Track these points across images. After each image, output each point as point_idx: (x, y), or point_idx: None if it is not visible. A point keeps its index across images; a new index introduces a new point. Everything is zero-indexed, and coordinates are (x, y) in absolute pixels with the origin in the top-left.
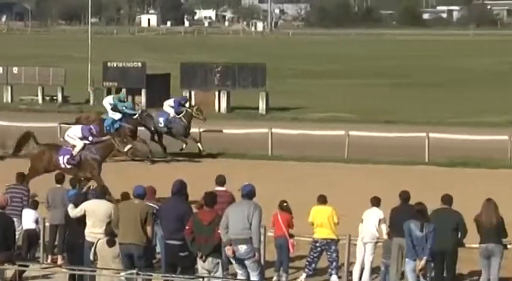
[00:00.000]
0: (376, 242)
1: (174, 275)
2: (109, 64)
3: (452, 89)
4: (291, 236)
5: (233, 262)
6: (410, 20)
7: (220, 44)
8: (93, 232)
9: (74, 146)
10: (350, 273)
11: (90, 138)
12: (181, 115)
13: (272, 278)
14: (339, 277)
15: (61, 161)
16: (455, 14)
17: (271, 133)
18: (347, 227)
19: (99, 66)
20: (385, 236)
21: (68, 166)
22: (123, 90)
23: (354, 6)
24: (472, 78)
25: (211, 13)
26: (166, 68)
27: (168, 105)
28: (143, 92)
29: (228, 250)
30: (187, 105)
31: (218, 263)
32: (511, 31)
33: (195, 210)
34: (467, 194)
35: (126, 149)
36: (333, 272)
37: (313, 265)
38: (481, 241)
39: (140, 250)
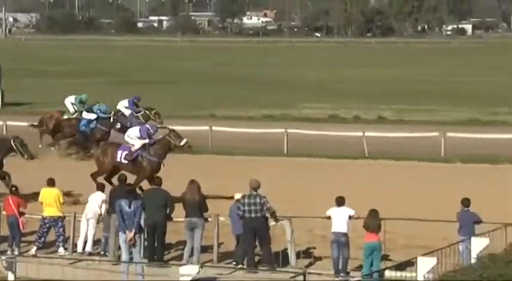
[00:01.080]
0: (98, 218)
1: None
2: None
3: (164, 87)
4: (21, 214)
5: None
6: (127, 28)
7: None
8: None
9: (133, 145)
10: (75, 245)
11: (147, 140)
12: (139, 115)
13: (6, 251)
14: (65, 249)
15: (119, 156)
16: (164, 23)
17: (6, 125)
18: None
19: None
20: (104, 213)
21: (124, 161)
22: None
23: (78, 15)
24: (180, 78)
25: None
26: None
27: (123, 106)
28: None
29: None
30: (141, 107)
31: None
32: (210, 38)
33: None
34: (176, 176)
35: (182, 143)
36: (60, 244)
37: (43, 239)
38: (186, 215)
39: None
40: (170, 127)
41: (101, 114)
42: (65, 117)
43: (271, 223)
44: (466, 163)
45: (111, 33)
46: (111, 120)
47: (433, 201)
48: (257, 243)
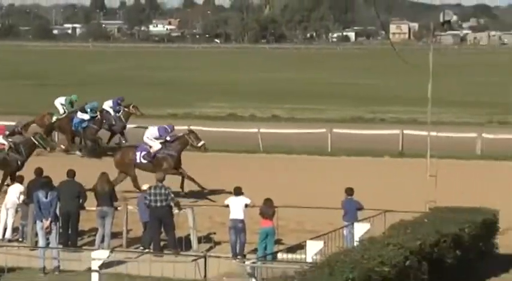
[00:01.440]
0: (17, 208)
1: None
2: None
3: (77, 89)
4: None
5: None
6: (43, 34)
7: None
8: None
9: (151, 147)
10: None
11: (168, 138)
12: (120, 114)
13: None
14: None
15: (138, 156)
16: (78, 31)
17: None
18: None
19: None
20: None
21: (144, 161)
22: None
23: None
24: (92, 81)
25: None
26: None
27: (108, 106)
28: None
29: None
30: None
31: None
32: (119, 44)
33: None
34: (90, 171)
35: (200, 144)
36: None
37: None
38: (97, 204)
39: None
40: (189, 128)
41: (91, 114)
42: (55, 118)
43: (175, 211)
44: (350, 156)
45: (28, 39)
46: (97, 119)
47: (320, 190)
48: (162, 229)
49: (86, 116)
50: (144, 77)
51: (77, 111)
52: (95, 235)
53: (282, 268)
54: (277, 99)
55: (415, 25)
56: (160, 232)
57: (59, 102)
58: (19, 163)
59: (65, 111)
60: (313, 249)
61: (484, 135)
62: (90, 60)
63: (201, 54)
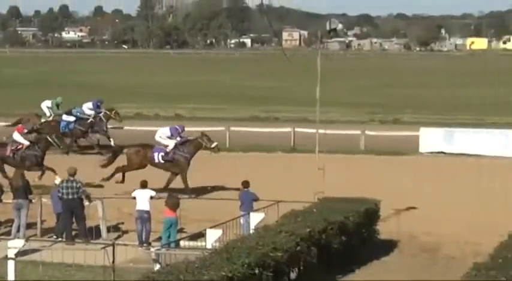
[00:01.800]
0: None
1: None
2: None
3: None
4: None
5: None
6: None
7: None
8: None
9: (166, 146)
10: None
11: (178, 138)
12: (101, 116)
13: None
14: None
15: (156, 158)
16: None
17: None
18: None
19: None
20: None
21: (162, 161)
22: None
23: None
24: (15, 83)
25: None
26: None
27: (87, 108)
28: None
29: None
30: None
31: None
32: (34, 50)
33: None
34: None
35: (213, 145)
36: None
37: None
38: (13, 197)
39: None
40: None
41: (80, 116)
42: (43, 120)
43: (86, 203)
44: (246, 152)
45: None
46: (89, 121)
47: (219, 183)
48: (74, 220)
49: (72, 118)
50: (58, 80)
51: (61, 115)
52: (11, 226)
53: (184, 254)
54: (180, 99)
55: (305, 33)
56: (72, 222)
57: (45, 105)
58: (35, 159)
59: (51, 114)
60: (212, 237)
61: (367, 132)
62: (7, 64)
63: (110, 59)
